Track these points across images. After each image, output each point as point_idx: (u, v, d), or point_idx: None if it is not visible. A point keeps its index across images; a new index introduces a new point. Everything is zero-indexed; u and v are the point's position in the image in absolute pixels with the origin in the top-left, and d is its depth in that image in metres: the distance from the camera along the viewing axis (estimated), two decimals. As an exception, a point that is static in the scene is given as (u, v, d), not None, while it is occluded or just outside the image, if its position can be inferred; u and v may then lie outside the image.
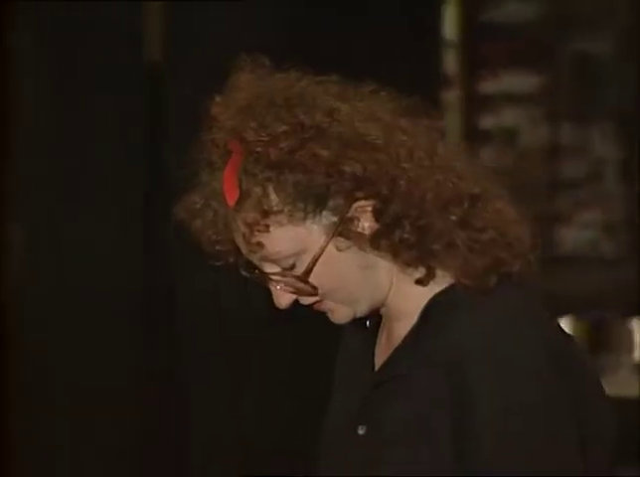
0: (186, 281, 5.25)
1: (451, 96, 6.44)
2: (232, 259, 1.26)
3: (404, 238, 1.17)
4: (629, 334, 5.82)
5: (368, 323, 1.33)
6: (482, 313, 1.19)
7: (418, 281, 1.22)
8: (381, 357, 1.31)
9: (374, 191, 1.15)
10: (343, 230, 1.17)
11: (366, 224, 1.17)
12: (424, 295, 1.23)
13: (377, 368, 1.31)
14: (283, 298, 1.23)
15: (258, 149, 1.14)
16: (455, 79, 6.51)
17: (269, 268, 1.21)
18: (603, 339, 5.84)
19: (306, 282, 1.18)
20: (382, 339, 1.33)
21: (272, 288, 1.24)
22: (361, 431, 1.27)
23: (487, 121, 6.55)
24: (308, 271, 1.17)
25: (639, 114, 5.98)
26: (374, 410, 1.25)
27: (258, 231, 1.16)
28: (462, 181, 1.18)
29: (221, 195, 1.19)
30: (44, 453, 4.91)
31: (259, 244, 1.17)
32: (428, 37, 5.85)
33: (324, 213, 1.17)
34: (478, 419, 1.13)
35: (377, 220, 1.17)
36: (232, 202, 1.15)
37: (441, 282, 1.22)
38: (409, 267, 1.21)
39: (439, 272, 1.21)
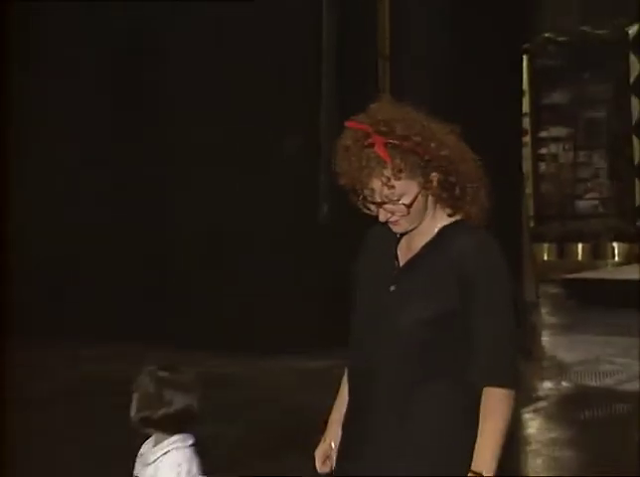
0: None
1: (526, 139, 12.90)
2: (358, 192, 2.09)
3: (453, 195, 2.08)
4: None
5: (398, 235, 2.13)
6: (475, 235, 2.11)
7: (450, 215, 2.10)
8: (404, 254, 2.16)
9: (445, 170, 2.07)
10: (425, 186, 2.06)
11: (434, 185, 2.06)
12: (441, 223, 2.11)
13: (401, 259, 2.16)
14: (385, 216, 2.05)
15: (396, 142, 2.01)
16: (528, 130, 13.25)
17: (383, 199, 2.04)
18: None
19: (408, 208, 2.04)
20: (403, 246, 2.17)
21: (380, 210, 2.09)
22: (392, 288, 2.11)
23: (544, 150, 13.74)
24: (412, 203, 2.03)
25: (621, 144, 13.38)
26: (401, 277, 2.12)
27: (394, 178, 2.01)
28: (475, 171, 2.13)
29: (372, 159, 2.03)
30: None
31: (392, 185, 2.01)
32: (514, 110, 11.25)
33: (419, 178, 2.05)
34: (476, 286, 2.06)
35: (439, 184, 2.07)
36: (387, 161, 1.98)
37: (451, 219, 2.10)
38: (447, 208, 2.11)
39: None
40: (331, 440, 2.42)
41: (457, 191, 2.18)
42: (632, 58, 13.50)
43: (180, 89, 9.14)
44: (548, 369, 9.15)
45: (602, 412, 7.47)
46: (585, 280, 12.64)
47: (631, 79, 13.47)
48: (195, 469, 2.44)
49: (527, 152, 12.62)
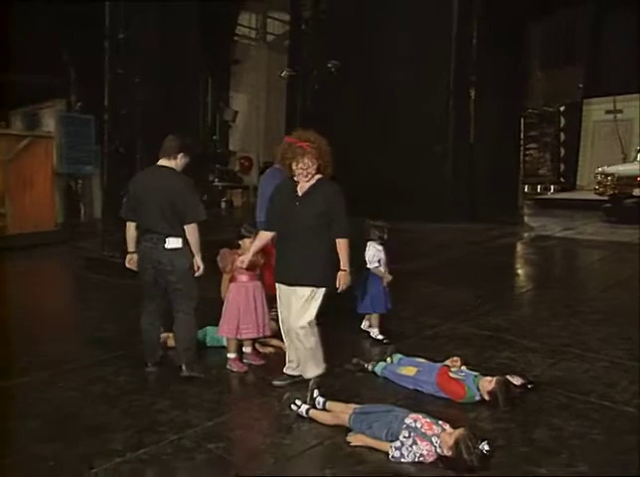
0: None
1: (521, 149, 24.94)
2: (293, 165, 5.36)
3: (324, 171, 5.44)
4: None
5: (298, 185, 5.44)
6: (330, 184, 5.36)
7: (321, 174, 5.45)
8: (300, 191, 5.38)
9: (323, 161, 5.42)
10: (319, 166, 5.39)
11: (320, 166, 5.38)
12: (316, 178, 5.41)
13: (301, 194, 5.38)
14: (300, 174, 5.31)
15: (315, 150, 5.35)
16: (522, 145, 25.34)
17: (301, 168, 5.36)
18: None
19: (309, 173, 5.32)
20: (300, 188, 5.33)
21: (300, 172, 5.36)
22: (297, 204, 5.41)
23: (528, 152, 28.83)
24: (314, 170, 5.38)
25: (556, 150, 28.36)
26: (301, 201, 5.31)
27: (309, 160, 5.25)
28: (331, 162, 5.51)
29: (300, 150, 5.27)
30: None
31: (306, 163, 5.32)
32: (517, 138, 20.03)
33: (315, 161, 5.37)
34: (334, 205, 5.31)
35: (321, 165, 5.42)
36: (308, 150, 5.28)
37: (319, 176, 5.46)
38: (321, 173, 5.44)
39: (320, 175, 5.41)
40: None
41: (323, 167, 5.12)
42: (562, 118, 26.60)
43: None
44: (525, 229, 15.96)
45: (548, 243, 13.29)
46: (542, 199, 23.17)
47: (561, 126, 26.68)
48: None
49: (521, 154, 21.79)
